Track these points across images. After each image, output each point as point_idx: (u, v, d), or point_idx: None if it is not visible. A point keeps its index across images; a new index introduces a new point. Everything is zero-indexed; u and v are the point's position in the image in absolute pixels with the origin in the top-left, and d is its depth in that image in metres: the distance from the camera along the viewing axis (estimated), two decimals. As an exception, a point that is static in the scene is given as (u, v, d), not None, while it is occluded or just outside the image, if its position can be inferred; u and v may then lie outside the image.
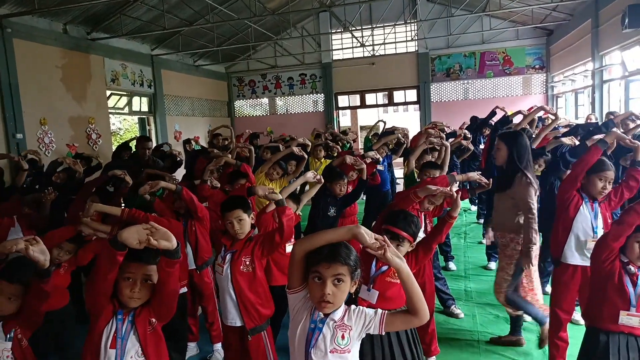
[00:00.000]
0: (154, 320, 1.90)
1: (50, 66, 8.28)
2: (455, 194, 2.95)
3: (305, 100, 14.98)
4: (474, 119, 8.53)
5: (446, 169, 4.42)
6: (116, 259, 1.73)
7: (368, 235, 1.61)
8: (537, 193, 3.35)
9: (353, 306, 1.74)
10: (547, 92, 13.02)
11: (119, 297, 1.87)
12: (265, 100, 15.30)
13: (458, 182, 3.78)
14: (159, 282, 1.86)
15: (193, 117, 13.11)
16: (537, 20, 11.84)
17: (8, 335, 1.94)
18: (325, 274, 1.62)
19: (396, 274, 2.47)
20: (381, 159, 6.70)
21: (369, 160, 4.81)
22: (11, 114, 7.40)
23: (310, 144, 7.04)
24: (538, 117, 7.25)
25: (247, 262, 2.69)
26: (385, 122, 9.36)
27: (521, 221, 3.30)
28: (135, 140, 8.55)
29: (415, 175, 4.30)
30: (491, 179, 3.59)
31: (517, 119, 6.24)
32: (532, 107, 7.70)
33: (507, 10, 10.87)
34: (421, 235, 3.18)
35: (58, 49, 8.43)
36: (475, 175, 3.49)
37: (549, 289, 4.39)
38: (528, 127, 5.37)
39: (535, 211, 3.23)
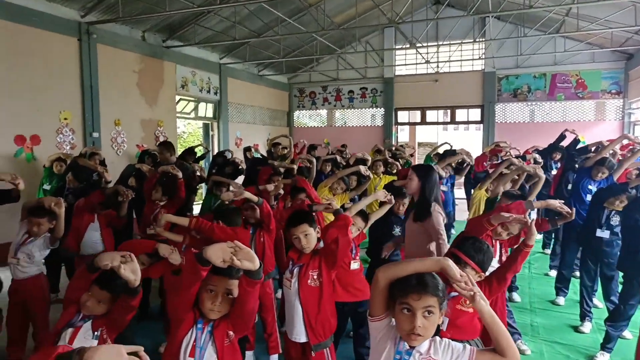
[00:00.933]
0: (231, 333, 1.90)
1: (128, 71, 8.76)
2: (529, 221, 2.80)
3: (364, 113, 14.95)
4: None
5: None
6: (200, 273, 1.77)
7: (456, 270, 1.55)
8: (445, 221, 3.46)
9: (438, 338, 1.65)
10: (623, 119, 12.24)
11: (200, 307, 1.89)
12: (324, 111, 15.42)
13: (536, 210, 3.59)
14: (239, 299, 1.88)
15: (254, 125, 13.41)
16: (617, 44, 11.19)
17: (95, 333, 2.03)
18: (415, 306, 1.55)
19: (467, 302, 2.36)
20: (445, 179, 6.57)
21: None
22: (90, 114, 7.87)
23: (369, 158, 6.99)
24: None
25: (315, 276, 2.66)
26: (451, 145, 9.12)
27: (432, 248, 3.31)
28: (200, 146, 8.87)
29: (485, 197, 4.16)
30: (574, 208, 3.38)
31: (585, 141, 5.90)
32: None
33: (584, 32, 10.36)
34: (495, 265, 3.03)
35: (136, 54, 8.91)
36: (555, 202, 3.26)
37: (627, 334, 4.08)
38: (609, 157, 5.05)
39: (445, 237, 3.31)
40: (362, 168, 4.96)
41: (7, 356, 3.34)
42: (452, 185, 7.43)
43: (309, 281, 2.67)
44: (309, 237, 2.69)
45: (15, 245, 3.30)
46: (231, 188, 3.37)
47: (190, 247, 3.46)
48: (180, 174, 4.37)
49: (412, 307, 1.55)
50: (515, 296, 5.19)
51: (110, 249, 3.90)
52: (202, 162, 8.30)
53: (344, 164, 7.16)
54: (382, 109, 14.60)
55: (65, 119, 7.50)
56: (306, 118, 15.73)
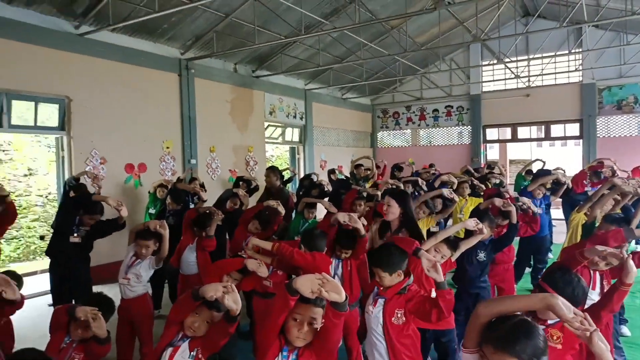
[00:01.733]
0: None
1: (221, 101, 9.42)
2: (625, 256, 2.55)
3: (450, 132, 14.58)
4: None
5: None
6: (289, 302, 1.88)
7: (566, 308, 1.47)
8: None
9: None
10: None
11: (285, 335, 1.98)
12: (408, 131, 15.28)
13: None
14: (324, 330, 1.94)
15: (338, 147, 13.65)
16: None
17: (192, 353, 2.22)
18: None
19: (556, 338, 2.19)
20: (538, 201, 6.17)
21: (525, 207, 4.47)
22: (188, 142, 8.55)
23: (455, 181, 6.79)
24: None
25: (399, 315, 2.61)
26: (544, 162, 8.58)
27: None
28: (287, 170, 9.18)
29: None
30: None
31: None
32: None
33: (701, 34, 9.30)
34: (595, 297, 2.80)
35: (228, 85, 9.56)
36: (661, 231, 2.96)
37: None
38: None
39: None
40: (446, 191, 4.84)
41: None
42: (548, 206, 6.94)
43: (393, 319, 2.62)
44: (382, 280, 2.67)
45: (125, 267, 3.67)
46: (342, 215, 3.35)
47: (277, 269, 3.62)
48: (283, 212, 4.52)
49: None
50: (625, 330, 4.70)
51: (202, 271, 4.18)
52: (289, 186, 8.60)
53: (426, 186, 7.02)
54: (469, 126, 14.14)
55: (168, 147, 8.22)
56: (390, 138, 15.69)
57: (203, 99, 8.87)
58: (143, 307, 3.68)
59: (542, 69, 12.45)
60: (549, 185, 6.68)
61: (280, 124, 11.38)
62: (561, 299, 1.50)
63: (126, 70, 7.47)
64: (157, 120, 8.02)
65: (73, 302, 3.95)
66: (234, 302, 2.02)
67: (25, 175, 9.77)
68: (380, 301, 2.69)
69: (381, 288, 2.71)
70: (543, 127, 13.65)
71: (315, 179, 7.84)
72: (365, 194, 5.38)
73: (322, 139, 12.93)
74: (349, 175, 10.38)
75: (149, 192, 7.08)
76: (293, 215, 6.19)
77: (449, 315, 2.49)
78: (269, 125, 11.00)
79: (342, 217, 3.36)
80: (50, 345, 2.52)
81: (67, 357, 2.50)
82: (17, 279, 2.90)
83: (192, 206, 6.11)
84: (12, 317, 3.13)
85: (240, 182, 7.20)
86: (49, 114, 6.67)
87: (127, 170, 7.55)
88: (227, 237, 5.78)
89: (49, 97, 6.56)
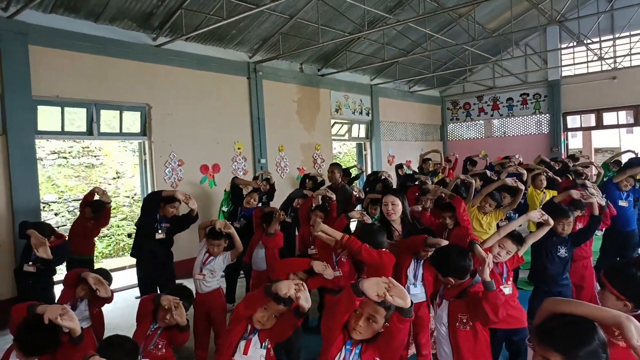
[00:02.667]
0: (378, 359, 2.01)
1: (289, 100, 9.65)
2: None
3: (526, 121, 13.81)
4: None
5: None
6: (354, 302, 1.94)
7: (637, 333, 1.38)
8: None
9: None
10: None
11: (347, 327, 2.05)
12: (480, 122, 14.69)
13: None
14: (388, 331, 1.98)
15: (406, 141, 13.45)
16: None
17: (263, 344, 2.36)
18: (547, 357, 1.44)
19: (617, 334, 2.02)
20: (625, 193, 5.71)
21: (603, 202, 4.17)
22: (258, 142, 8.86)
23: (524, 172, 6.45)
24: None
25: (465, 320, 2.54)
26: (636, 154, 7.88)
27: None
28: (355, 167, 9.22)
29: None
30: None
31: None
32: None
33: None
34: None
35: (295, 85, 9.76)
36: None
37: None
38: None
39: None
40: (509, 180, 4.63)
41: (194, 356, 3.98)
42: (637, 199, 6.40)
43: (457, 324, 2.54)
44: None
45: (199, 263, 3.92)
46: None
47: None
48: (333, 197, 4.61)
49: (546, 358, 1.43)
50: None
51: (270, 267, 4.34)
52: (356, 182, 8.62)
53: (496, 178, 6.73)
54: (547, 114, 13.31)
55: (239, 148, 8.58)
56: (461, 130, 15.17)
57: (271, 100, 9.14)
58: (217, 301, 3.92)
59: (631, 49, 11.40)
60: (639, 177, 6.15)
61: (346, 121, 11.43)
62: (635, 322, 1.38)
63: (199, 77, 7.89)
64: (229, 122, 8.39)
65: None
66: (305, 300, 2.13)
67: (114, 178, 10.65)
68: (445, 304, 2.64)
69: (448, 287, 2.65)
70: (632, 111, 12.51)
71: (384, 176, 7.78)
72: (426, 190, 5.17)
73: (389, 134, 12.80)
74: (417, 170, 10.22)
75: (224, 190, 7.46)
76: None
77: (496, 318, 2.37)
78: (335, 123, 11.09)
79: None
80: (138, 332, 2.77)
81: (152, 343, 2.74)
82: (108, 277, 3.21)
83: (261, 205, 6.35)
84: (102, 308, 3.48)
85: (307, 180, 7.36)
86: (132, 121, 7.23)
87: (202, 171, 7.98)
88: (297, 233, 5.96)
89: (132, 105, 7.11)
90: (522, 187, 4.90)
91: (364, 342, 2.05)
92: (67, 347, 2.24)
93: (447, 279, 2.56)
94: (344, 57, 10.12)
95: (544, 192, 6.60)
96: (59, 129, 6.43)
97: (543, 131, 13.46)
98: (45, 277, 4.41)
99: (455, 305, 2.56)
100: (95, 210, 5.42)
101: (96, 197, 5.43)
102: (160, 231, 4.80)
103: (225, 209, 6.79)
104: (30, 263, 4.29)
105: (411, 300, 1.85)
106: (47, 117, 6.26)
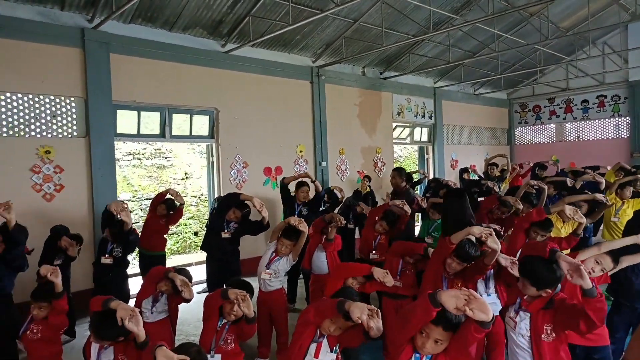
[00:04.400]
0: None
1: (350, 104, 9.67)
2: None
3: (603, 124, 12.93)
4: None
5: None
6: (431, 313, 1.86)
7: None
8: None
9: None
10: None
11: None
12: (551, 126, 13.94)
13: None
14: (462, 339, 1.92)
15: (470, 145, 13.04)
16: None
17: (334, 349, 2.40)
18: None
19: None
20: None
21: None
22: (319, 146, 8.95)
23: (602, 181, 6.04)
24: None
25: (549, 331, 2.41)
26: None
27: None
28: (417, 172, 9.08)
29: None
30: None
31: None
32: None
33: None
34: None
35: (357, 89, 9.77)
36: None
37: None
38: None
39: None
40: (599, 196, 4.35)
41: (257, 353, 4.09)
42: None
43: (543, 336, 2.41)
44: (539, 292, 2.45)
45: (265, 262, 4.02)
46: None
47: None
48: (409, 212, 4.52)
49: None
50: None
51: (331, 271, 4.36)
52: (417, 187, 8.49)
53: (575, 187, 6.36)
54: (627, 117, 12.40)
55: (301, 151, 8.71)
56: (530, 134, 14.47)
57: (333, 104, 9.20)
58: (279, 301, 4.00)
59: None
60: None
61: (408, 124, 11.27)
62: None
63: (264, 81, 8.11)
64: (292, 125, 8.55)
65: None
66: (377, 330, 2.05)
67: (182, 179, 11.18)
68: (522, 314, 2.50)
69: (525, 299, 2.52)
70: None
71: (449, 183, 7.58)
72: (508, 203, 4.89)
73: (452, 137, 12.47)
74: (482, 175, 9.89)
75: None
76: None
77: (601, 324, 2.24)
78: (396, 126, 10.97)
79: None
80: (207, 328, 2.89)
81: (222, 337, 2.84)
82: (190, 279, 3.38)
83: (322, 208, 6.42)
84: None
85: (365, 179, 7.36)
86: (201, 124, 7.56)
87: (266, 173, 8.18)
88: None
89: (201, 109, 7.43)
90: (608, 201, 4.59)
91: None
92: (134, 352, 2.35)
93: (543, 291, 2.44)
94: (407, 59, 9.99)
95: (624, 201, 6.15)
96: (135, 132, 6.86)
97: (622, 135, 12.55)
98: (120, 269, 4.71)
99: (540, 316, 2.44)
100: (169, 208, 5.73)
101: (168, 196, 5.74)
102: (226, 230, 4.99)
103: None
104: (106, 255, 4.61)
105: (493, 316, 1.80)
106: (125, 121, 6.69)
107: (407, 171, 7.83)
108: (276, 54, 8.32)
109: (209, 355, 2.66)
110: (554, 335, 2.40)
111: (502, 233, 4.14)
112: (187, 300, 3.24)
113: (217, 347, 2.76)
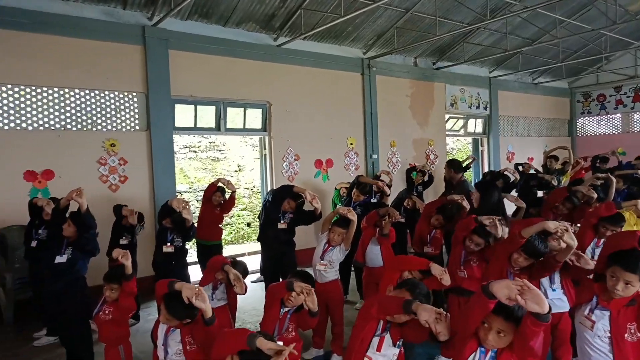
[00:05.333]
0: None
1: (401, 96, 9.52)
2: None
3: (676, 115, 12.03)
4: None
5: None
6: (487, 306, 1.84)
7: None
8: None
9: None
10: None
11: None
12: (617, 116, 13.11)
13: None
14: (522, 334, 1.86)
15: (527, 137, 12.50)
16: None
17: (397, 344, 2.39)
18: None
19: None
20: None
21: None
22: (370, 138, 8.89)
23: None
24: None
25: (632, 330, 2.27)
26: None
27: None
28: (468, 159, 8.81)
29: None
30: None
31: None
32: None
33: None
34: None
35: (408, 80, 9.60)
36: None
37: None
38: None
39: None
40: None
41: (312, 343, 4.14)
42: None
43: (626, 335, 2.26)
44: (629, 287, 2.24)
45: (319, 253, 4.06)
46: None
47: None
48: (467, 207, 4.40)
49: None
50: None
51: (387, 264, 4.33)
52: (470, 172, 8.20)
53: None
54: None
55: (351, 144, 8.68)
56: (593, 125, 13.68)
57: (384, 95, 9.09)
58: (335, 292, 4.03)
59: None
60: None
61: (462, 116, 10.95)
62: None
63: (316, 74, 8.14)
64: (343, 118, 8.53)
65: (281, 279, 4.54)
66: (444, 335, 1.99)
67: (235, 171, 11.46)
68: (600, 313, 2.35)
69: (601, 294, 2.36)
70: None
71: (511, 177, 7.32)
72: (578, 196, 4.65)
73: (509, 129, 12.01)
74: (540, 169, 9.47)
75: (335, 188, 7.64)
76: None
77: None
78: (450, 117, 10.70)
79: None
80: (269, 316, 2.94)
81: (284, 326, 2.90)
82: (245, 273, 3.48)
83: (374, 200, 6.37)
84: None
85: (414, 175, 7.24)
86: (254, 117, 7.70)
87: (317, 166, 8.23)
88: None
89: (254, 103, 7.57)
90: None
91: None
92: (202, 330, 2.47)
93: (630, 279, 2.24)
94: (461, 49, 9.70)
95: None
96: (192, 125, 7.09)
97: (699, 125, 11.61)
98: (181, 257, 4.91)
99: (622, 314, 2.29)
100: (223, 193, 5.90)
101: (219, 185, 5.92)
102: (282, 221, 5.10)
103: (338, 204, 6.96)
104: (167, 244, 4.80)
105: (549, 306, 1.72)
106: (183, 115, 6.93)
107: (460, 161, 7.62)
108: (327, 46, 8.31)
109: None
110: (638, 334, 2.25)
111: (573, 229, 3.95)
112: (241, 294, 3.33)
113: (280, 336, 2.83)
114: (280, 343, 1.90)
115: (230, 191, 5.98)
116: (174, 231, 4.73)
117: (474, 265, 3.53)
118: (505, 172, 7.33)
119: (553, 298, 3.10)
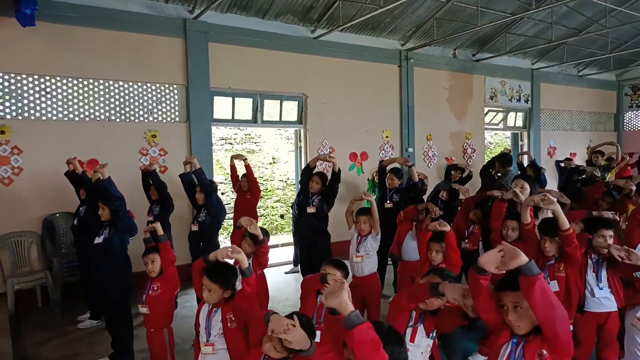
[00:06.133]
0: (544, 352, 1.85)
1: (439, 88, 9.34)
2: None
3: None
4: None
5: None
6: (480, 282, 1.84)
7: None
8: None
9: None
10: None
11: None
12: (668, 110, 12.45)
13: None
14: (526, 299, 1.82)
15: (571, 131, 12.05)
16: None
17: (430, 335, 2.38)
18: None
19: None
20: None
21: None
22: (406, 131, 8.78)
23: None
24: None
25: None
26: None
27: None
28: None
29: None
30: None
31: None
32: None
33: None
34: None
35: (446, 72, 9.40)
36: None
37: None
38: None
39: None
40: None
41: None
42: None
43: None
44: None
45: (354, 246, 4.05)
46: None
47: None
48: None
49: None
50: None
51: (423, 257, 4.28)
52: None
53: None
54: None
55: (387, 137, 8.60)
56: (642, 119, 13.05)
57: (421, 88, 8.95)
58: (373, 285, 4.02)
59: None
60: None
61: (502, 109, 10.65)
62: None
63: (352, 66, 8.08)
64: (378, 111, 8.45)
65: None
66: (473, 309, 2.02)
67: (270, 163, 11.55)
68: None
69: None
70: None
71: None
72: (614, 192, 4.48)
73: (551, 123, 11.60)
74: (584, 165, 9.10)
75: (367, 180, 7.60)
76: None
77: None
78: (489, 111, 10.43)
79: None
80: (305, 307, 2.97)
81: (322, 316, 2.92)
82: (266, 233, 3.63)
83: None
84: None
85: (452, 171, 7.08)
86: (290, 109, 7.73)
87: (351, 159, 8.20)
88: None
89: (290, 95, 7.60)
90: None
91: (531, 334, 1.89)
92: (242, 295, 2.63)
93: None
94: (503, 40, 9.41)
95: None
96: (230, 117, 7.19)
97: None
98: (210, 233, 5.13)
99: None
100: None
101: (235, 162, 6.31)
102: (311, 205, 5.13)
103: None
104: (194, 223, 5.17)
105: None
106: (221, 107, 7.03)
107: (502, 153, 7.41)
108: (364, 38, 8.24)
109: None
110: None
111: (618, 220, 3.80)
112: (264, 258, 3.48)
113: (318, 325, 2.84)
114: (318, 333, 1.94)
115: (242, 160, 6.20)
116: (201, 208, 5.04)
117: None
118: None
119: (600, 297, 3.00)
